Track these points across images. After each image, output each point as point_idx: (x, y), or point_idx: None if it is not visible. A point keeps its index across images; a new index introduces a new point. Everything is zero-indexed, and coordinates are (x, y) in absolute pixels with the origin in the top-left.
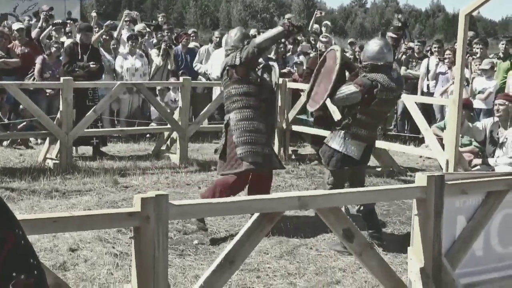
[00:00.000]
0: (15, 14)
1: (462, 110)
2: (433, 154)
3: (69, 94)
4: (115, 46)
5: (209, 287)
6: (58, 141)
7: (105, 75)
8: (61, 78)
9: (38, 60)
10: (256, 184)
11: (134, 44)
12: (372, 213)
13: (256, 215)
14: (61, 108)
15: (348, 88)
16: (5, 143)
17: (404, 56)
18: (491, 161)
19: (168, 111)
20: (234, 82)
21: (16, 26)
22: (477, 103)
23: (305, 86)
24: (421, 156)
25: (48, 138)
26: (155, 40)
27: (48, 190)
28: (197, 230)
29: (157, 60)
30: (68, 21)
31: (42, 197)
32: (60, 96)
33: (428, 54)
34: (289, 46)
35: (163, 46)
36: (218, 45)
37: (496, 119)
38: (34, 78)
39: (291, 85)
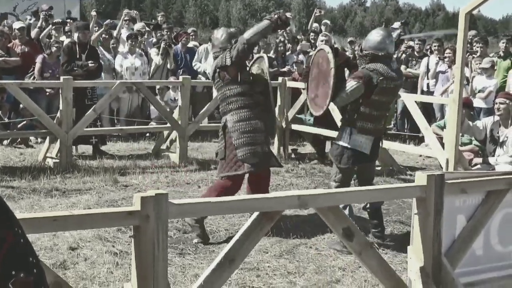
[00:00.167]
0: (15, 13)
1: (462, 109)
2: (433, 153)
3: (69, 93)
4: (115, 45)
5: (208, 286)
6: (58, 140)
7: (105, 74)
8: (61, 77)
9: (39, 59)
10: (255, 184)
11: (133, 43)
12: (378, 211)
13: (255, 214)
14: (61, 107)
15: (349, 85)
16: (5, 142)
17: (404, 55)
18: (491, 160)
19: (168, 110)
20: (227, 83)
21: (17, 25)
22: (477, 102)
23: (305, 85)
24: (421, 155)
25: (48, 137)
26: (154, 39)
27: (48, 189)
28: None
29: (156, 59)
30: (68, 20)
31: (42, 196)
32: (60, 95)
33: (428, 53)
34: (289, 45)
35: (162, 45)
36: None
37: (497, 118)
38: (34, 77)
39: (291, 84)
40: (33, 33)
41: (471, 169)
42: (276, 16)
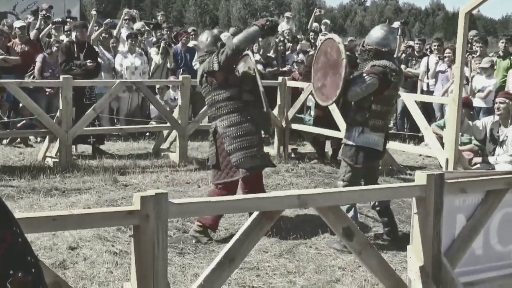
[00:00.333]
0: (14, 12)
1: (462, 109)
2: (432, 152)
3: (69, 92)
4: (115, 44)
5: (208, 286)
6: (58, 140)
7: (105, 74)
8: (61, 77)
9: (39, 58)
10: (250, 185)
11: (133, 42)
12: (387, 209)
13: (255, 213)
14: (60, 107)
15: (363, 81)
16: (4, 141)
17: (404, 55)
18: (491, 159)
19: (168, 109)
20: (215, 88)
21: (18, 23)
22: (477, 102)
23: (305, 85)
24: (420, 155)
25: (47, 137)
26: (154, 39)
27: (48, 189)
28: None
29: (156, 58)
30: (68, 20)
31: (42, 196)
32: (60, 94)
33: (428, 52)
34: (289, 45)
35: (162, 44)
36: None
37: (497, 117)
38: (34, 77)
39: (291, 83)
40: (31, 34)
41: (470, 169)
42: (264, 22)
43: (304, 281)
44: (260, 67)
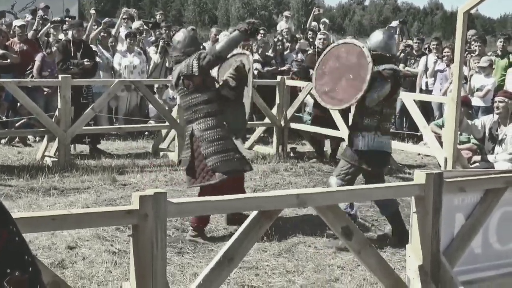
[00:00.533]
0: (12, 11)
1: (461, 108)
2: (431, 151)
3: (67, 91)
4: (113, 43)
5: (207, 285)
6: (56, 139)
7: (103, 73)
8: (59, 76)
9: (38, 57)
10: (228, 188)
11: (132, 41)
12: (395, 214)
13: (254, 213)
14: (59, 106)
15: (379, 87)
16: (3, 141)
17: (402, 54)
18: (490, 157)
19: (167, 108)
20: (192, 91)
21: (18, 22)
22: (475, 101)
23: (304, 84)
24: (419, 154)
25: (46, 136)
26: (153, 38)
27: (46, 188)
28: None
29: (155, 57)
30: (67, 19)
31: (40, 195)
32: (58, 93)
33: (427, 51)
34: (287, 44)
35: (161, 43)
36: (215, 41)
37: (496, 116)
38: (32, 76)
39: (290, 82)
40: (29, 34)
41: (469, 168)
42: (247, 26)
43: (303, 280)
44: (258, 66)
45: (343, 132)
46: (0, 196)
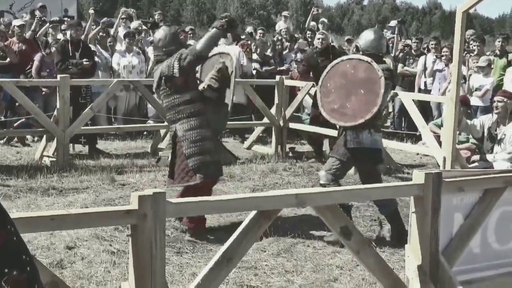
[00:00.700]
0: (11, 11)
1: (460, 107)
2: (430, 151)
3: (66, 91)
4: (112, 43)
5: (206, 285)
6: (55, 139)
7: (102, 73)
8: (58, 76)
9: (37, 57)
10: (202, 190)
11: (131, 41)
12: (393, 214)
13: (253, 212)
14: (58, 106)
15: (386, 90)
16: (1, 141)
17: (401, 54)
18: (489, 157)
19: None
20: (174, 92)
21: (17, 22)
22: (474, 101)
23: (303, 84)
24: (418, 154)
25: (45, 136)
26: (152, 38)
27: (45, 188)
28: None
29: (154, 57)
30: (65, 19)
31: (39, 195)
32: (57, 93)
33: (425, 51)
34: (286, 44)
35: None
36: None
37: (495, 116)
38: (31, 76)
39: (288, 82)
40: (27, 35)
41: (468, 167)
42: (222, 22)
43: (302, 280)
44: (257, 65)
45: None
46: None
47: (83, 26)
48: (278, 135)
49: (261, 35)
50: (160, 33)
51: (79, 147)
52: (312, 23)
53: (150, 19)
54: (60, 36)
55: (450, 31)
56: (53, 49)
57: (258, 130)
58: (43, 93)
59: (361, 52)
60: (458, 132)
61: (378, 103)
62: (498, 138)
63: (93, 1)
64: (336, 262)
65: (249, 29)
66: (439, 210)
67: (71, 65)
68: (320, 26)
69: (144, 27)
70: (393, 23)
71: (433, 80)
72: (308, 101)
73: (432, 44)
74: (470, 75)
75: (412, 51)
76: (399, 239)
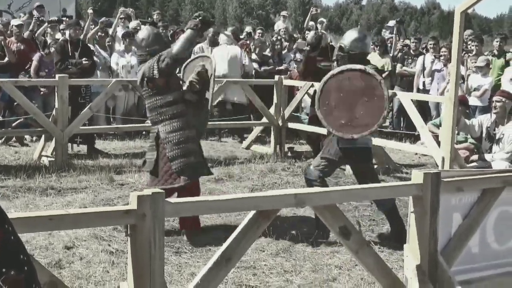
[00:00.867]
0: (9, 11)
1: (458, 107)
2: (428, 151)
3: (65, 91)
4: (110, 43)
5: (205, 285)
6: (54, 139)
7: (101, 72)
8: (56, 76)
9: (36, 57)
10: (186, 192)
11: (129, 41)
12: (391, 211)
13: (252, 212)
14: (56, 106)
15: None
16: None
17: (400, 53)
18: (488, 156)
19: None
20: (156, 93)
21: (16, 22)
22: (473, 100)
23: (301, 83)
24: (416, 153)
25: (43, 136)
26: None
27: (44, 188)
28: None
29: None
30: (64, 19)
31: (38, 195)
32: (56, 93)
33: (424, 51)
34: (285, 43)
35: None
36: (213, 42)
37: (493, 116)
38: (29, 75)
39: (287, 82)
40: (25, 35)
41: (467, 167)
42: (196, 22)
43: (301, 280)
44: (256, 65)
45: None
46: None
47: (81, 25)
48: (277, 135)
49: (260, 35)
50: (143, 33)
51: (77, 147)
52: (311, 22)
53: (149, 19)
54: (58, 35)
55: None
56: (52, 49)
57: (257, 130)
58: (41, 93)
59: (346, 53)
60: (456, 132)
61: (386, 107)
62: (497, 138)
63: (91, 1)
64: (335, 262)
65: (248, 29)
66: (437, 210)
67: (71, 64)
68: (318, 25)
69: (143, 26)
70: (391, 23)
71: (431, 80)
72: (307, 101)
73: (430, 44)
74: (469, 75)
75: (411, 51)
76: (398, 239)
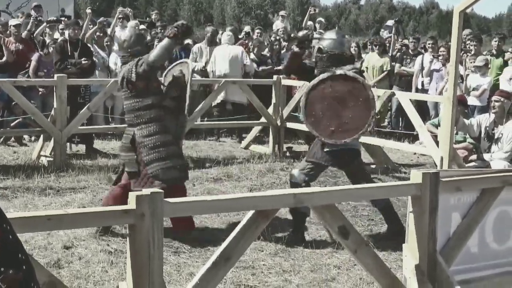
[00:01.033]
0: (8, 11)
1: (457, 106)
2: (427, 151)
3: (63, 91)
4: (109, 43)
5: (204, 285)
6: (52, 139)
7: (99, 72)
8: (55, 75)
9: (35, 57)
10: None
11: None
12: (386, 209)
13: (251, 212)
14: (55, 105)
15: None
16: None
17: (398, 53)
18: (486, 156)
19: None
20: (135, 95)
21: (14, 22)
22: (471, 100)
23: (300, 83)
24: (415, 153)
25: (42, 136)
26: (148, 37)
27: (42, 188)
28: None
29: None
30: (63, 19)
31: (36, 195)
32: (54, 93)
33: (422, 51)
34: (284, 43)
35: (156, 43)
36: (211, 41)
37: (492, 116)
38: (28, 75)
39: (286, 82)
40: (23, 34)
41: (465, 167)
42: (175, 31)
43: (300, 280)
44: (254, 65)
45: None
46: None
47: (80, 25)
48: (276, 134)
49: (259, 35)
50: (126, 34)
51: (76, 147)
52: (309, 22)
53: (147, 18)
54: (57, 35)
55: (447, 30)
56: (51, 49)
57: (255, 130)
58: (39, 93)
59: (325, 54)
60: (455, 132)
61: (374, 107)
62: (495, 137)
63: (90, 1)
64: (333, 262)
65: (246, 28)
66: (436, 210)
67: (70, 64)
68: (317, 25)
69: (141, 26)
70: (390, 22)
71: (430, 80)
72: None
73: (429, 44)
74: (467, 74)
75: (409, 50)
76: (395, 235)
